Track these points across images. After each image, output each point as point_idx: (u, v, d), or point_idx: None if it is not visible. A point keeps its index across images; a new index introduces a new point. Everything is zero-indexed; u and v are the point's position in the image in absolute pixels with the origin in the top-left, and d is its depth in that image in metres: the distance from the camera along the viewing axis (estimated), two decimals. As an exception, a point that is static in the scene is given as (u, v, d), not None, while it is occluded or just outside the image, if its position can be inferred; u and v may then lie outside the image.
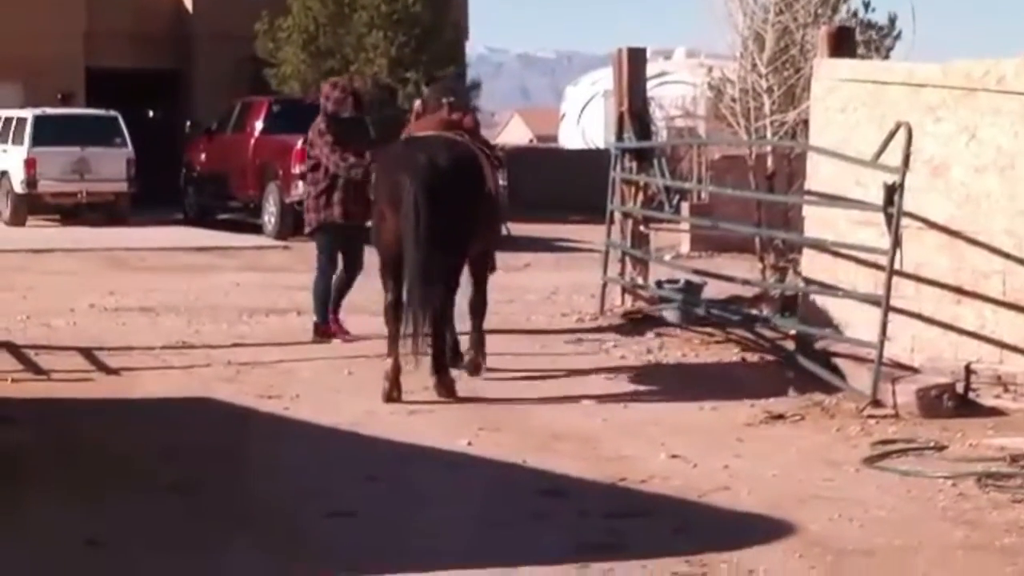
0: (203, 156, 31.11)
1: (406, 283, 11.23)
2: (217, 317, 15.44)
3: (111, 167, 30.21)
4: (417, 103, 13.22)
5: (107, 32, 35.87)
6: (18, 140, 30.26)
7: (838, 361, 11.85)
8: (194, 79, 38.36)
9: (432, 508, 8.29)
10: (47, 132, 30.06)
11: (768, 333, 13.84)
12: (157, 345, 13.66)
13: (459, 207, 11.45)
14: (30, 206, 30.22)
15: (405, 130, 12.65)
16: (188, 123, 33.12)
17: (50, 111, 31.05)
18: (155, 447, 9.73)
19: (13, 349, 13.32)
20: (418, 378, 11.96)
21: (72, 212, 30.55)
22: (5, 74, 33.71)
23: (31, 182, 29.77)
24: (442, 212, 11.20)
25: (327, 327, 13.95)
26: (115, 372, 12.45)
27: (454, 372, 11.71)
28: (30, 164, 29.73)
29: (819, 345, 12.30)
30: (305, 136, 14.63)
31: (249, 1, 37.46)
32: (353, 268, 13.97)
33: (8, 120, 31.07)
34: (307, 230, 14.19)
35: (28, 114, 30.61)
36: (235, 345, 13.76)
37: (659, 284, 15.70)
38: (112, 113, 31.03)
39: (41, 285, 18.79)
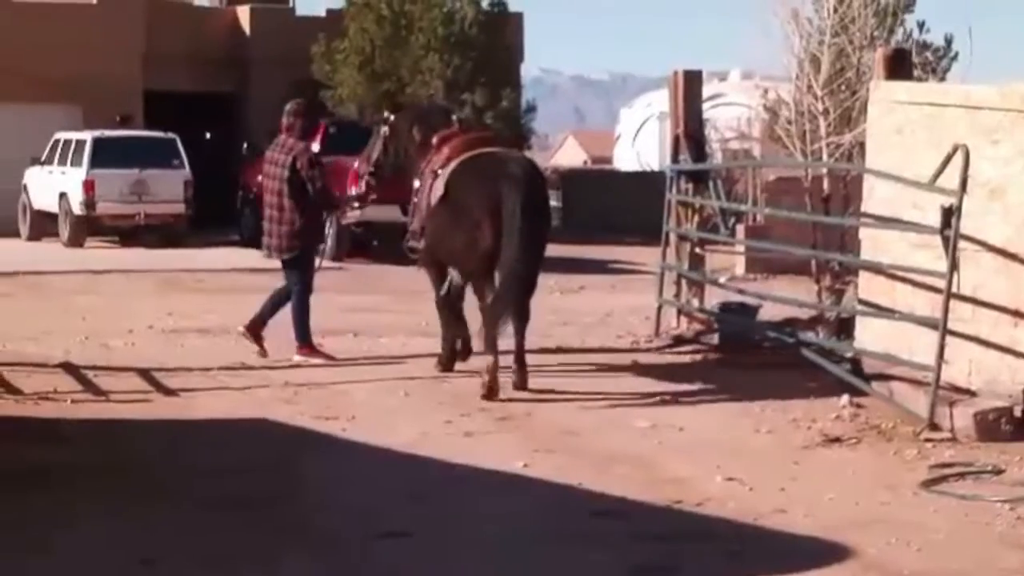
0: (259, 178, 31.20)
1: (508, 290, 12.30)
2: (274, 338, 15.49)
3: (169, 189, 30.40)
4: (384, 129, 14.33)
5: (165, 55, 36.10)
6: (77, 162, 30.48)
7: (894, 384, 11.81)
8: (251, 101, 38.55)
9: (487, 529, 8.31)
10: (106, 154, 30.26)
11: (824, 356, 13.79)
12: (214, 366, 13.74)
13: (548, 217, 13.23)
14: (89, 228, 30.44)
15: (439, 148, 13.42)
16: (245, 145, 33.25)
17: (109, 133, 31.24)
18: (212, 468, 9.79)
19: (72, 370, 13.43)
20: (473, 400, 12.02)
21: (130, 234, 30.75)
22: (65, 96, 33.97)
23: (90, 204, 29.97)
24: (541, 222, 12.74)
25: (312, 346, 14.24)
26: (173, 393, 12.53)
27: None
28: (89, 186, 29.93)
29: (874, 368, 12.27)
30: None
31: (306, 24, 37.74)
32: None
33: (67, 142, 31.31)
34: (290, 255, 14.26)
35: (87, 136, 30.84)
36: (292, 366, 13.82)
37: (723, 307, 15.67)
38: (170, 135, 31.24)
39: (100, 306, 18.93)
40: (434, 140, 13.56)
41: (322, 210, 14.62)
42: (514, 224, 12.22)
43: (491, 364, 12.21)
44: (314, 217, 14.34)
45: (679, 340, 15.54)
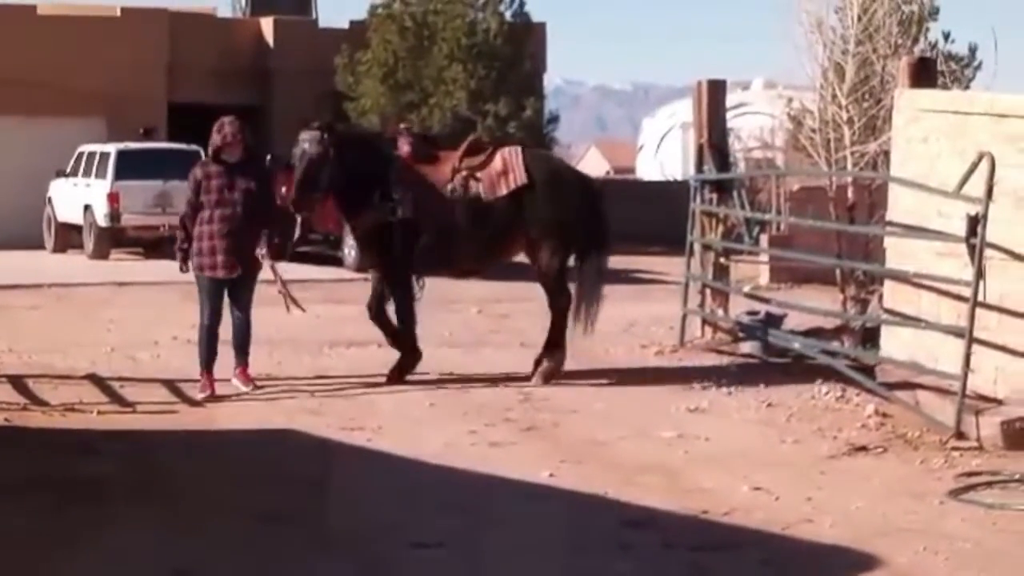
0: (283, 190, 31.22)
1: (591, 283, 13.99)
2: (299, 349, 15.54)
3: (192, 201, 30.35)
4: (304, 146, 14.85)
5: (189, 67, 36.18)
6: (101, 174, 30.54)
7: (920, 393, 11.78)
8: (274, 113, 38.61)
9: (515, 539, 8.32)
10: (130, 166, 30.30)
11: (849, 365, 13.77)
12: (240, 377, 13.74)
13: None
14: (113, 239, 30.49)
15: (445, 159, 14.08)
16: (268, 157, 33.29)
17: (133, 145, 31.31)
18: (239, 478, 9.82)
19: (98, 381, 13.47)
20: (498, 410, 12.03)
21: (154, 245, 30.73)
22: (89, 109, 34.09)
23: (114, 216, 30.03)
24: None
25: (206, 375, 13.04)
26: (199, 404, 12.56)
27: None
28: (113, 198, 29.99)
29: (900, 377, 12.24)
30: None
31: (329, 35, 37.74)
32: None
33: (92, 154, 31.38)
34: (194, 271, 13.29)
35: (111, 148, 30.91)
36: (317, 377, 13.85)
37: (748, 316, 15.66)
38: (194, 147, 31.24)
39: (125, 318, 18.97)
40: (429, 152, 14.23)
41: (210, 232, 13.19)
42: (603, 222, 14.23)
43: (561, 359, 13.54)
44: (201, 238, 13.14)
45: (703, 350, 15.52)
